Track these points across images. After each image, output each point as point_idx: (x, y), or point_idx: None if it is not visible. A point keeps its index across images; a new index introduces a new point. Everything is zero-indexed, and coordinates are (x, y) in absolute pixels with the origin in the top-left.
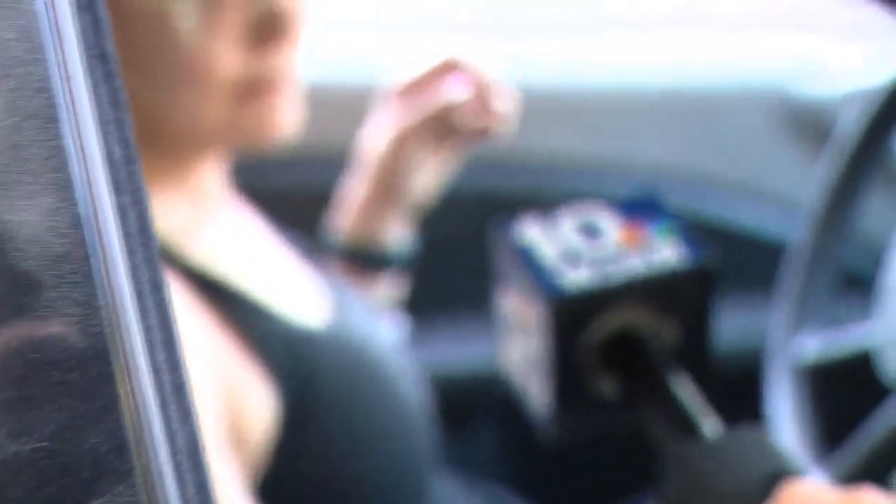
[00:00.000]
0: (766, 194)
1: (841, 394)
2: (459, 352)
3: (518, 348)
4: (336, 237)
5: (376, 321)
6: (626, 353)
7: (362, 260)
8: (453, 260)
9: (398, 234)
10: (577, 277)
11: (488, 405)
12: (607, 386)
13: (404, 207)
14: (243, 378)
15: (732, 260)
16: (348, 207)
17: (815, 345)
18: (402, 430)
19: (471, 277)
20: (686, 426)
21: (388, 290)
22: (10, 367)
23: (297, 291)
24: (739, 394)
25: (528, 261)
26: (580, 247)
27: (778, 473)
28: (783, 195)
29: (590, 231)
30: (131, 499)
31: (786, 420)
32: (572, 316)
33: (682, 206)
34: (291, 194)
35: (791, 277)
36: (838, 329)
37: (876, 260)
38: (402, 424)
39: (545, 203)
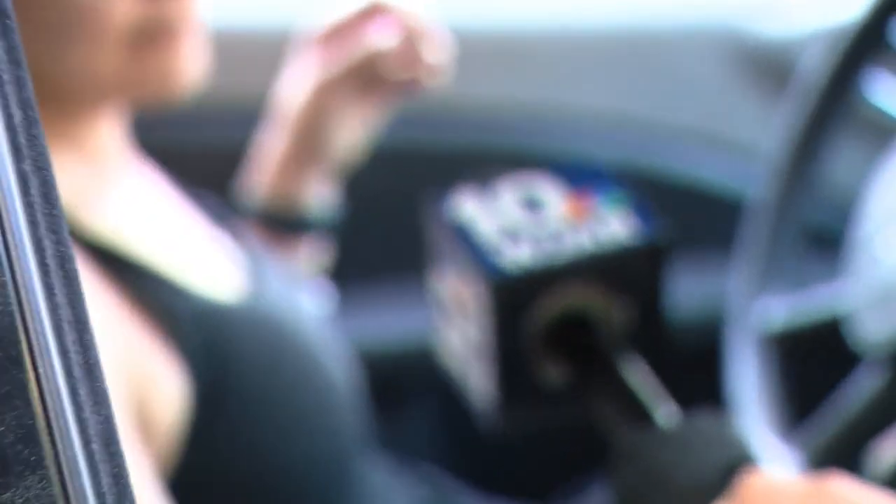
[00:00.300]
0: (721, 144)
1: (808, 363)
2: (390, 324)
3: (456, 334)
4: (251, 199)
5: (297, 292)
6: (574, 337)
7: (281, 223)
8: (383, 224)
9: (320, 195)
10: (518, 256)
11: (421, 381)
12: (554, 373)
13: (326, 166)
14: (150, 360)
15: (686, 218)
16: (264, 166)
17: (780, 310)
18: (328, 412)
19: (402, 243)
20: (639, 414)
21: (310, 256)
22: None
23: (208, 262)
24: (697, 367)
25: (465, 239)
26: (521, 222)
27: (736, 463)
28: (741, 145)
29: (532, 204)
30: (42, 491)
31: (749, 394)
32: (514, 298)
33: (629, 158)
34: (199, 152)
35: (752, 236)
36: (805, 292)
37: (845, 216)
38: (328, 406)
39: (482, 160)
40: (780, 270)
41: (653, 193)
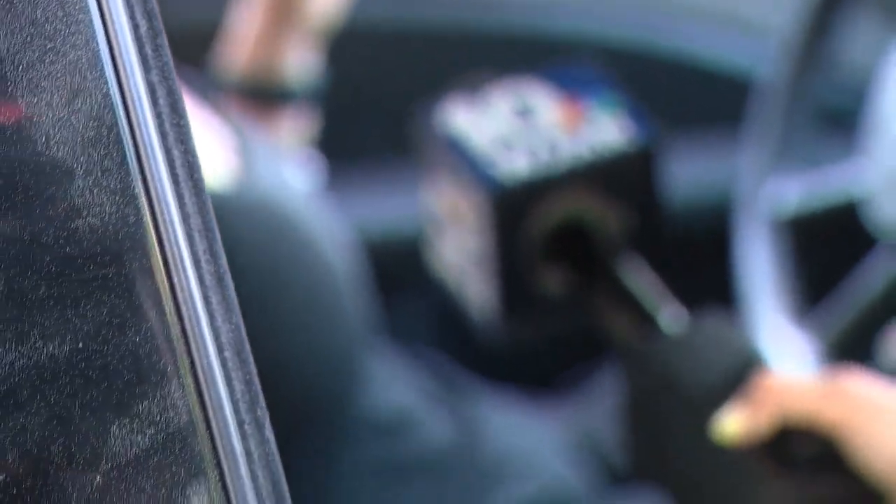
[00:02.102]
0: (731, 21)
1: (821, 247)
2: (381, 206)
3: (452, 245)
4: (229, 72)
5: (288, 171)
6: (572, 245)
7: (262, 94)
8: (369, 96)
9: (301, 63)
10: (514, 167)
11: (420, 266)
12: (553, 282)
13: (305, 32)
14: None
15: (692, 98)
16: (241, 37)
17: (792, 192)
18: (329, 299)
19: (392, 116)
20: (641, 320)
21: (294, 127)
22: (41, 264)
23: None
24: (704, 257)
25: (458, 150)
26: (515, 131)
27: (746, 366)
28: (751, 22)
29: (524, 112)
30: (178, 401)
31: (761, 281)
32: (512, 209)
33: (636, 36)
34: (170, 28)
35: (762, 116)
36: (818, 173)
37: (860, 96)
38: (329, 292)
39: (474, 38)
40: (791, 151)
41: (660, 72)
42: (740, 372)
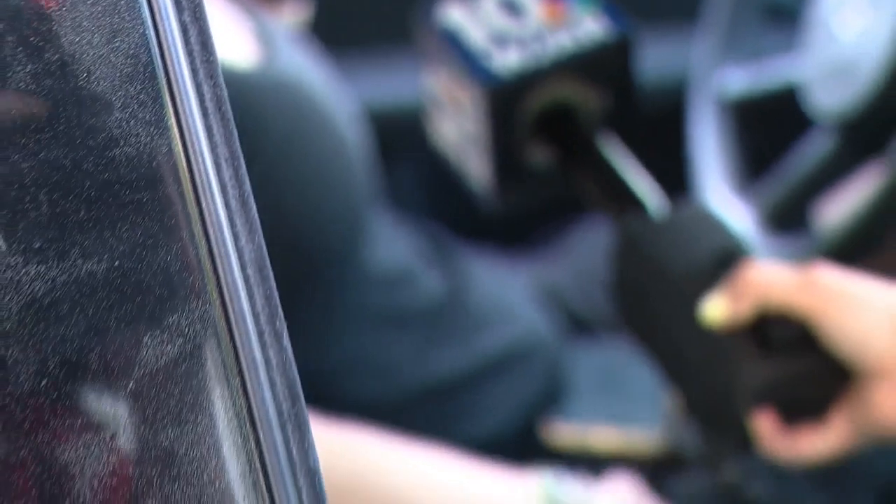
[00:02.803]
0: None
1: (764, 128)
2: (379, 84)
3: (451, 125)
4: None
5: (304, 51)
6: (558, 124)
7: None
8: None
9: None
10: (507, 60)
11: (412, 139)
12: (542, 157)
13: None
14: None
15: None
16: None
17: (739, 78)
18: (343, 168)
19: (393, 5)
20: (617, 190)
21: (293, 12)
22: (81, 188)
23: (220, 30)
24: (665, 131)
25: (456, 45)
26: (506, 27)
27: (731, 253)
28: None
29: (513, 9)
30: (205, 314)
31: (709, 155)
32: (506, 99)
33: None
34: None
35: (715, 8)
36: (763, 62)
37: None
38: (343, 162)
39: None
40: (739, 43)
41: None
42: (725, 261)
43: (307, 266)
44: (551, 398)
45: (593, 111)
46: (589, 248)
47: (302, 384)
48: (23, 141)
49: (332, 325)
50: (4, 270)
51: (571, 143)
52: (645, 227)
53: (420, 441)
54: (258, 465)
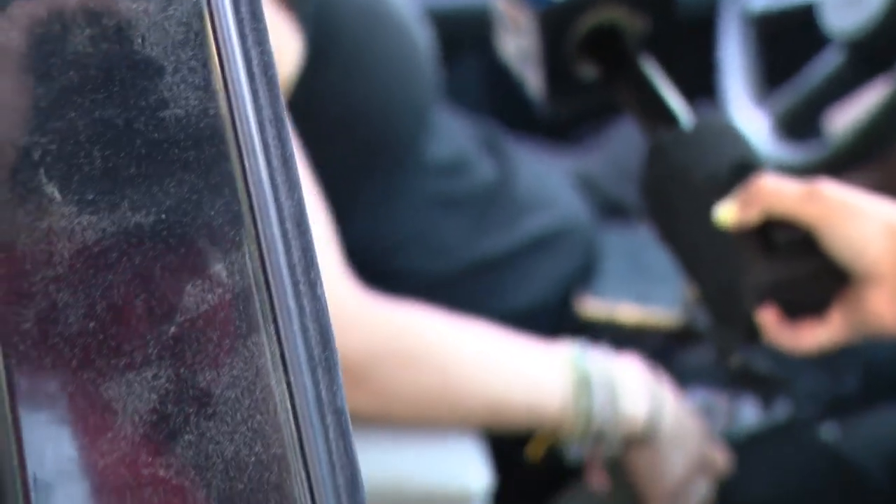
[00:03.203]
0: None
1: (783, 42)
2: None
3: (513, 41)
4: None
5: None
6: (605, 42)
7: None
8: None
9: None
10: None
11: (473, 38)
12: (590, 72)
13: None
14: (274, 28)
15: None
16: None
17: None
18: (411, 65)
19: None
20: (656, 104)
21: None
22: (133, 146)
23: None
24: (699, 43)
25: None
26: None
27: (746, 165)
28: None
29: None
30: (244, 266)
31: (733, 64)
32: (558, 21)
33: None
34: None
35: None
36: None
37: None
38: (411, 60)
39: None
40: None
41: None
42: (741, 172)
43: (373, 154)
44: (585, 275)
45: (637, 33)
46: (622, 143)
47: (363, 260)
48: (79, 100)
49: (393, 207)
50: (59, 219)
51: (616, 61)
52: (674, 137)
53: (466, 314)
54: (289, 405)
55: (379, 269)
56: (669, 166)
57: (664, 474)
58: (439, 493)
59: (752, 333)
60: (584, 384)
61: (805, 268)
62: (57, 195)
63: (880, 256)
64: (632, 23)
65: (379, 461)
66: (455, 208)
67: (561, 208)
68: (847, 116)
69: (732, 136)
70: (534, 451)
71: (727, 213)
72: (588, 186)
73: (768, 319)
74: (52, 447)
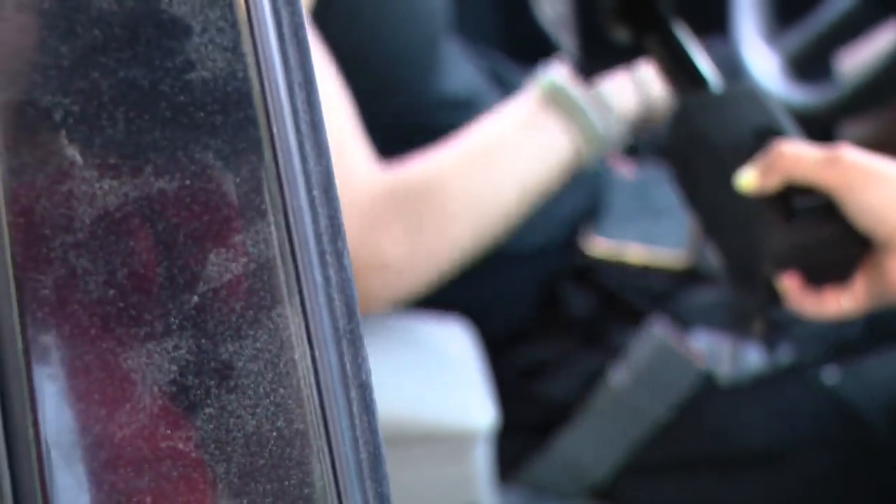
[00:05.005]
0: None
1: None
2: None
3: (548, 4)
4: None
5: None
6: (638, 6)
7: None
8: None
9: None
10: None
11: None
12: (622, 35)
13: None
14: None
15: None
16: None
17: None
18: (422, 4)
19: None
20: (690, 74)
21: None
22: (157, 109)
23: None
24: None
25: None
26: None
27: (768, 131)
28: None
29: None
30: (270, 234)
31: (746, 2)
32: None
33: None
34: None
35: None
36: None
37: None
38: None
39: None
40: None
41: None
42: (764, 137)
43: (383, 91)
44: (591, 214)
45: None
46: None
47: None
48: (103, 59)
49: (403, 144)
50: (80, 183)
51: (649, 25)
52: (700, 101)
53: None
54: (312, 379)
55: None
56: (694, 130)
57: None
58: (444, 430)
59: (773, 299)
60: (572, 108)
61: (826, 234)
62: (78, 158)
63: None
64: None
65: (382, 399)
66: None
67: None
68: (859, 59)
69: (759, 103)
70: None
71: (748, 178)
72: None
73: (790, 285)
74: (68, 417)
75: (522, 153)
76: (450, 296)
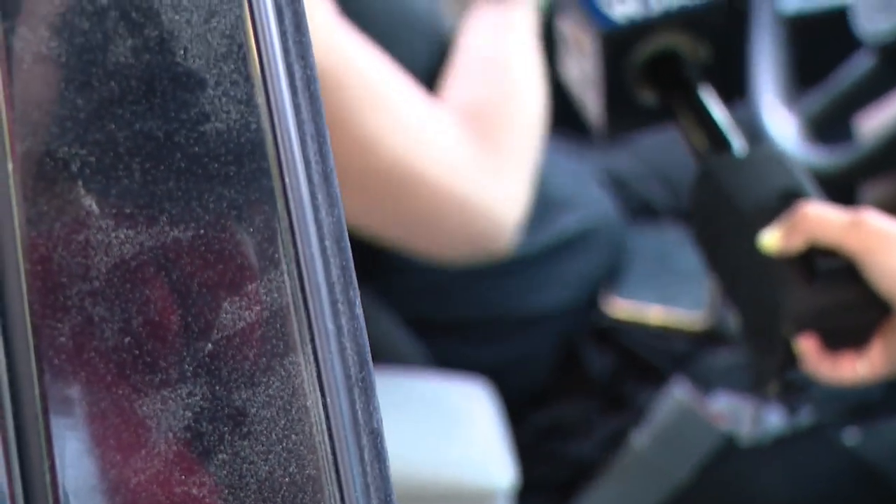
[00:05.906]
0: None
1: (815, 44)
2: None
3: (575, 65)
4: None
5: None
6: (665, 68)
7: None
8: None
9: None
10: (625, 9)
11: None
12: (648, 97)
13: None
14: None
15: None
16: None
17: None
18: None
19: None
20: (715, 137)
21: None
22: (172, 160)
23: None
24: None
25: None
26: None
27: (792, 193)
28: None
29: None
30: (282, 284)
31: (764, 65)
32: (620, 43)
33: None
34: None
35: None
36: None
37: None
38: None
39: None
40: None
41: None
42: (788, 200)
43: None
44: (612, 275)
45: (698, 62)
46: (652, 141)
47: (391, 259)
48: (119, 111)
49: None
50: (96, 233)
51: (675, 88)
52: (725, 163)
53: (492, 314)
54: (324, 426)
55: (410, 265)
56: (718, 191)
57: None
58: (464, 488)
59: (790, 361)
60: None
61: (846, 296)
62: (95, 208)
63: None
64: (693, 51)
65: (402, 456)
66: None
67: (590, 207)
68: (877, 121)
69: (783, 165)
70: None
71: (772, 239)
72: (617, 185)
73: (808, 348)
74: (85, 464)
75: (516, 48)
76: (471, 356)
